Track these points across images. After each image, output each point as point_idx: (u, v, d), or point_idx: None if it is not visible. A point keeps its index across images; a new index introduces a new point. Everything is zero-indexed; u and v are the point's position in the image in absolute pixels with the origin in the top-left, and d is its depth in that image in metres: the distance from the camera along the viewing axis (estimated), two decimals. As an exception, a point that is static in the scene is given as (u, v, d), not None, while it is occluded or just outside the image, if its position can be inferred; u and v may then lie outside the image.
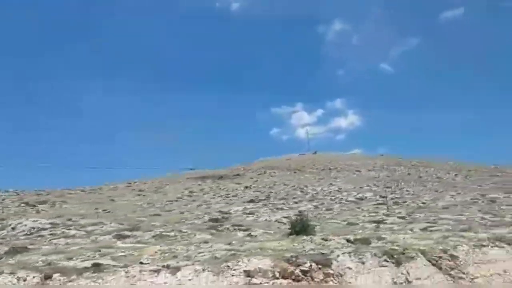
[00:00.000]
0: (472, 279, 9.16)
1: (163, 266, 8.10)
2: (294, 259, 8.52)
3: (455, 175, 44.43)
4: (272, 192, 32.36)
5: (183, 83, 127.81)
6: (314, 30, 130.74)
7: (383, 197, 25.04)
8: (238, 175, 49.30)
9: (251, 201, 27.14)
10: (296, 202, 26.38)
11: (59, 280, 7.71)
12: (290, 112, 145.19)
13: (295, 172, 49.98)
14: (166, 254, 9.75)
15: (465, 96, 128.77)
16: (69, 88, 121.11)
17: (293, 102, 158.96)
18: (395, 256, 9.06)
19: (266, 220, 18.73)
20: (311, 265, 8.36)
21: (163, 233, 14.40)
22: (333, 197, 28.65)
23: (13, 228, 16.40)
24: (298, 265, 8.30)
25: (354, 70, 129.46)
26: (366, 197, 27.93)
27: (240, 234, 14.41)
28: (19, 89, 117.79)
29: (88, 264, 8.60)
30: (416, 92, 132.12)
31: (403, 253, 9.20)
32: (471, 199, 24.50)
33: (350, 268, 8.51)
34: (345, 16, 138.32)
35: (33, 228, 16.11)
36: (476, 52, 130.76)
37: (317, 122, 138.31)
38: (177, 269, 7.97)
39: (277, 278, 8.01)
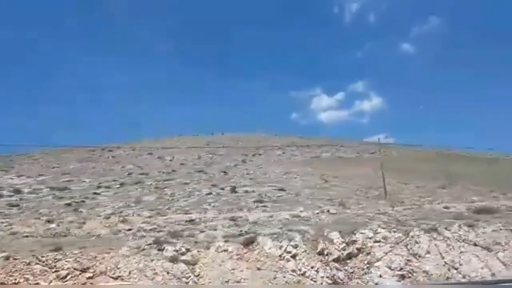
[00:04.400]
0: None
1: None
2: None
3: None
4: None
5: (202, 63, 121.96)
6: (331, 11, 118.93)
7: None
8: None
9: None
10: None
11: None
12: (310, 96, 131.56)
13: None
14: None
15: (493, 78, 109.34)
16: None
17: (312, 85, 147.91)
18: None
19: None
20: None
21: None
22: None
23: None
24: None
25: (374, 51, 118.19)
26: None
27: None
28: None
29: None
30: (439, 73, 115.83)
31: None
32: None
33: None
34: None
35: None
36: (504, 30, 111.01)
37: (339, 106, 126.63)
38: None
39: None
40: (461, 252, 12.52)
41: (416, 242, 12.78)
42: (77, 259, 10.93)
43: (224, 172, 31.32)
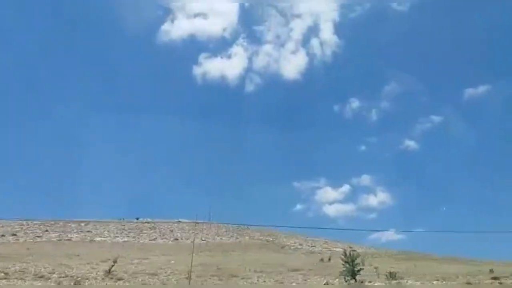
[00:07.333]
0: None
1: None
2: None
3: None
4: None
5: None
6: (331, 109, 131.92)
7: None
8: None
9: None
10: None
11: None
12: (313, 188, 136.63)
13: None
14: None
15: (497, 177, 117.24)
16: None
17: (316, 177, 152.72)
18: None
19: None
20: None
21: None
22: None
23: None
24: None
25: (377, 146, 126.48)
26: None
27: None
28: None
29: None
30: (444, 170, 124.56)
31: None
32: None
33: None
34: (361, 95, 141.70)
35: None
36: (505, 130, 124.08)
37: (345, 199, 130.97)
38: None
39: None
40: None
41: None
42: None
43: None
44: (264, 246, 49.42)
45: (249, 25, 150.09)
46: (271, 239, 55.74)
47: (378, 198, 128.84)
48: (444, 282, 20.03)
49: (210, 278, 24.09)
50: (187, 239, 52.43)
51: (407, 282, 19.12)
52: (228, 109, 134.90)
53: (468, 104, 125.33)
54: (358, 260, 21.51)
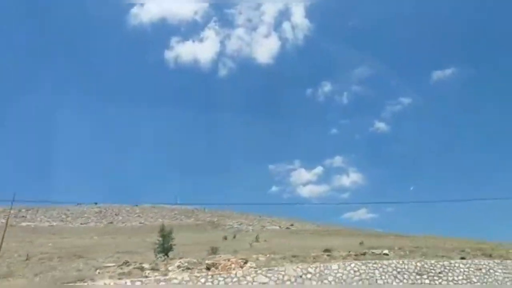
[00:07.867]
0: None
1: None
2: None
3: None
4: None
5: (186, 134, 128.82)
6: (304, 93, 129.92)
7: None
8: None
9: None
10: None
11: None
12: (289, 170, 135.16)
13: None
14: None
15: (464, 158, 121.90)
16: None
17: (290, 159, 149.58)
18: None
19: None
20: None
21: None
22: None
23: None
24: None
25: (349, 128, 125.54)
26: None
27: None
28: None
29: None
30: (414, 150, 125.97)
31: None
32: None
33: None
34: (333, 79, 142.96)
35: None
36: (470, 111, 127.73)
37: (318, 180, 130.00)
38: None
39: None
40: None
41: None
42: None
43: None
44: (199, 226, 48.21)
45: (220, 8, 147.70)
46: (215, 220, 54.48)
47: (351, 179, 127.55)
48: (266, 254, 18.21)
49: (50, 260, 22.80)
50: (123, 222, 51.66)
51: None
52: (202, 93, 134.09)
53: (435, 85, 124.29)
54: (173, 235, 20.15)
